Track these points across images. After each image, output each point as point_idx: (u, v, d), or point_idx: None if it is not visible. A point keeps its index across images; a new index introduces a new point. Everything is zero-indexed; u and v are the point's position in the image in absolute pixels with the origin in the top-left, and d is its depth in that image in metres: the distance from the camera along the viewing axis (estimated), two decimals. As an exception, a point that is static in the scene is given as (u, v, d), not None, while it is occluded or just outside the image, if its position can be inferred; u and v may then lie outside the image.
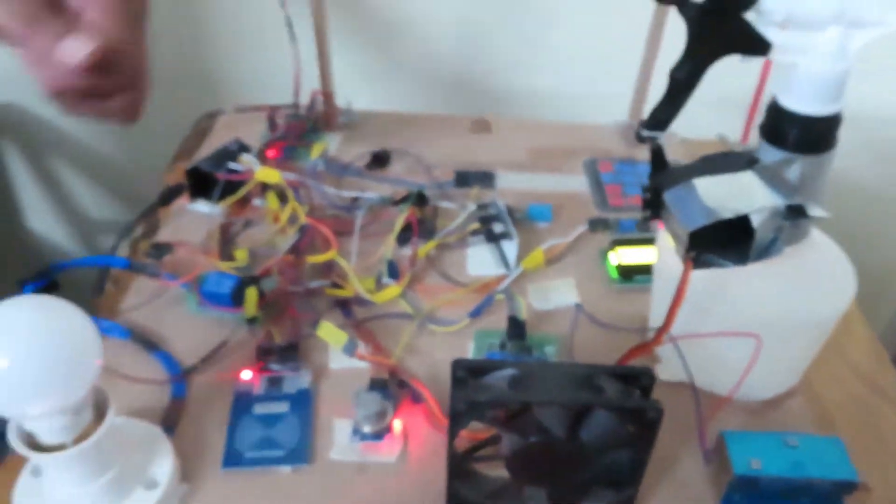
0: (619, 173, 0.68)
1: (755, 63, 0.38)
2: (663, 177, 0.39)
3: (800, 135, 0.38)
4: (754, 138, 0.42)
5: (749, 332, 0.40)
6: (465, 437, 0.39)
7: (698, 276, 0.39)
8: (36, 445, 0.36)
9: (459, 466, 0.39)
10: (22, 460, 0.43)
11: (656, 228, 0.50)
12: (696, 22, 0.37)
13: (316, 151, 0.65)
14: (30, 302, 0.34)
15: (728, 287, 0.41)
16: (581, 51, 0.83)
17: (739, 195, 0.38)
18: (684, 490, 0.43)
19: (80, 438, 0.37)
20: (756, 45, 0.37)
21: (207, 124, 0.74)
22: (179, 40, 0.87)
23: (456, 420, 0.35)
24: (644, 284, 0.55)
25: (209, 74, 0.89)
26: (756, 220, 0.36)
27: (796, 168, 0.39)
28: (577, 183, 0.68)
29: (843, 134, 0.39)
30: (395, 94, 0.86)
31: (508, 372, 0.36)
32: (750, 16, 0.36)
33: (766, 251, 0.38)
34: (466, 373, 0.36)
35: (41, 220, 1.16)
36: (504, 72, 0.85)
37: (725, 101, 0.65)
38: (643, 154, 0.71)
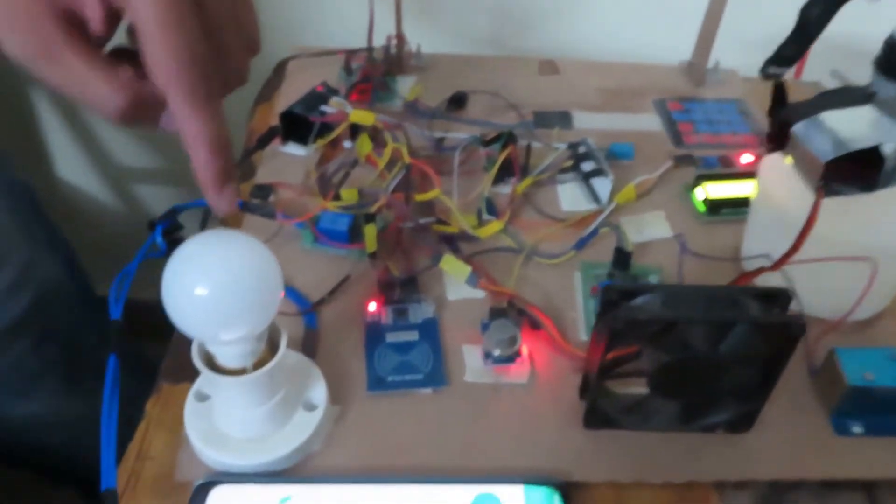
0: (689, 112, 0.71)
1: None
2: (790, 111, 0.42)
3: (919, 69, 0.41)
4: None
5: (864, 257, 0.43)
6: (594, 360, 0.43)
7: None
8: (215, 368, 0.39)
9: (600, 384, 0.42)
10: (173, 391, 0.46)
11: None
12: (832, -38, 0.39)
13: (413, 93, 0.66)
14: (223, 236, 0.37)
15: (847, 214, 0.44)
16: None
17: (866, 127, 0.40)
18: (795, 403, 0.46)
19: (257, 365, 0.40)
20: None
21: (281, 70, 0.75)
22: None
23: (614, 338, 0.38)
24: (731, 217, 0.58)
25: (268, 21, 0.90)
26: (887, 150, 0.39)
27: (915, 101, 0.41)
28: (650, 122, 0.70)
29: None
30: (459, 37, 0.87)
31: (654, 295, 0.39)
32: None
33: (888, 180, 0.41)
34: (618, 296, 0.39)
35: (71, 169, 1.17)
36: (567, 12, 0.86)
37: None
38: (709, 93, 0.74)
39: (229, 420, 0.42)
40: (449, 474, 0.42)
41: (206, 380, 0.45)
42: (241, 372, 0.39)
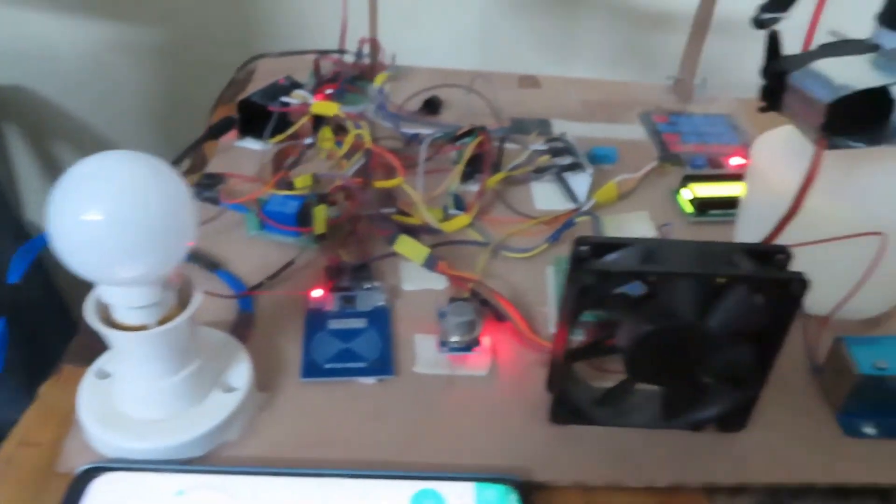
0: (676, 124, 0.66)
1: None
2: (786, 62, 0.37)
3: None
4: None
5: (872, 233, 0.38)
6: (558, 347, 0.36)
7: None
8: (113, 326, 0.33)
9: (569, 367, 0.36)
10: (76, 374, 0.40)
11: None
12: None
13: (380, 79, 0.62)
14: (123, 155, 0.31)
15: (848, 183, 0.39)
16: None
17: (869, 71, 0.36)
18: (797, 403, 0.40)
19: (163, 322, 0.33)
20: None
21: (249, 71, 0.71)
22: None
23: (582, 297, 0.33)
24: (720, 218, 0.53)
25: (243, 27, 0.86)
26: None
27: (922, 53, 0.37)
28: (634, 132, 0.66)
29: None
30: (436, 50, 0.83)
31: (632, 250, 0.34)
32: None
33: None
34: (590, 249, 0.33)
35: (42, 213, 1.12)
36: (547, 29, 0.83)
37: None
38: (697, 109, 0.70)
39: (130, 396, 0.36)
40: (385, 468, 0.35)
41: (108, 356, 0.38)
42: (142, 329, 0.33)
